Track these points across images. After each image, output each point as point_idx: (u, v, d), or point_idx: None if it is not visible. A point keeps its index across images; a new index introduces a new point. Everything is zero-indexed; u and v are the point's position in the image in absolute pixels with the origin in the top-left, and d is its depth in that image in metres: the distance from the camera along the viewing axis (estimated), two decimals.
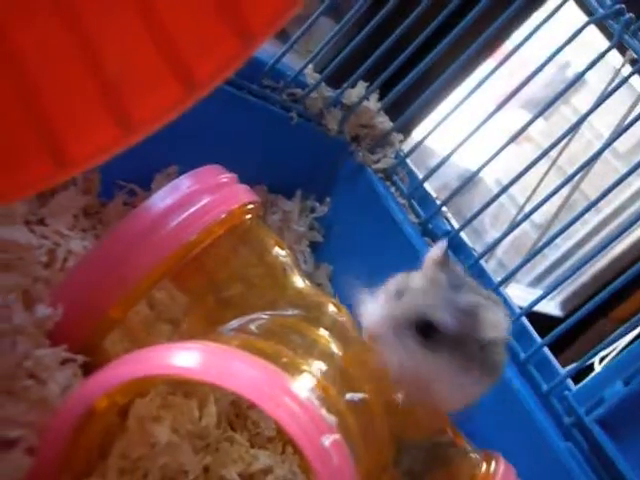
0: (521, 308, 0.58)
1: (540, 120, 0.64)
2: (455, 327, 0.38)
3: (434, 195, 0.65)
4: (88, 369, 0.37)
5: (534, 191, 0.98)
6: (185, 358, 0.29)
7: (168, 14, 0.27)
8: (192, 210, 0.38)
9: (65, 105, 0.27)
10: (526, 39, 0.60)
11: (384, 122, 0.67)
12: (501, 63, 0.61)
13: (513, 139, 0.59)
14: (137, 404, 0.36)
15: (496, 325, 0.39)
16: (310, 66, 0.62)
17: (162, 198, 0.39)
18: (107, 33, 0.26)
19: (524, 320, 0.57)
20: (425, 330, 0.38)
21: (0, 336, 0.34)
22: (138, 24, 0.26)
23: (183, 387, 0.40)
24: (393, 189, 0.65)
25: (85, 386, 0.31)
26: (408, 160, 0.67)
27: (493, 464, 0.38)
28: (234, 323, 0.39)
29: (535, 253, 0.61)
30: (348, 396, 0.35)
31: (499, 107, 0.61)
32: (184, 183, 0.40)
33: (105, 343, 0.39)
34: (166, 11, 0.27)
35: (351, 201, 0.66)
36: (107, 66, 0.25)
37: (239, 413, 0.45)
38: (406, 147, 0.69)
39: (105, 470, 0.35)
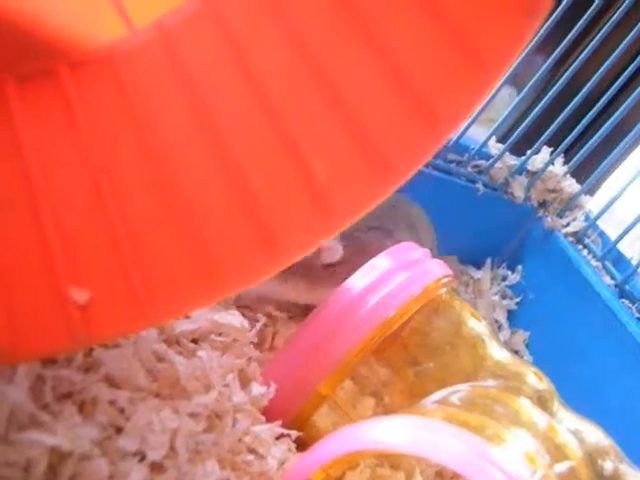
0: None
1: None
2: None
3: (628, 255, 0.64)
4: (300, 443, 0.39)
5: None
6: (395, 433, 0.31)
7: (364, 111, 0.29)
8: (390, 288, 0.40)
9: (277, 202, 0.29)
10: None
11: (571, 185, 0.67)
12: None
13: None
14: (348, 476, 0.38)
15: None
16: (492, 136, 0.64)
17: (361, 277, 0.41)
18: (313, 138, 0.29)
19: None
20: None
21: (223, 414, 0.37)
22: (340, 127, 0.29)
23: (390, 459, 0.41)
24: (585, 252, 0.64)
25: (303, 460, 0.33)
26: (598, 221, 0.66)
27: None
28: (436, 395, 0.40)
29: None
30: (557, 467, 0.35)
31: None
32: (380, 262, 0.42)
33: (314, 417, 0.41)
34: (361, 107, 0.29)
35: (543, 267, 0.66)
36: (316, 170, 0.28)
37: None
38: (593, 205, 0.68)
39: None
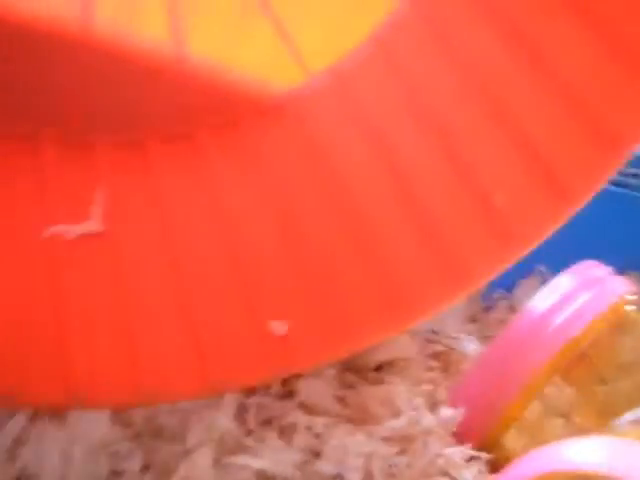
0: None
1: None
2: None
3: None
4: (490, 465, 0.40)
5: None
6: (591, 454, 0.31)
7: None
8: (574, 307, 0.40)
9: (458, 231, 0.30)
10: None
11: None
12: None
13: None
14: None
15: None
16: None
17: (544, 298, 0.41)
18: (491, 167, 0.30)
19: None
20: None
21: (414, 438, 0.38)
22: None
23: None
24: None
25: None
26: None
27: None
28: (629, 415, 0.39)
29: None
30: None
31: None
32: (563, 281, 0.42)
33: (503, 439, 0.41)
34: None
35: None
36: (495, 199, 0.29)
37: None
38: None
39: None
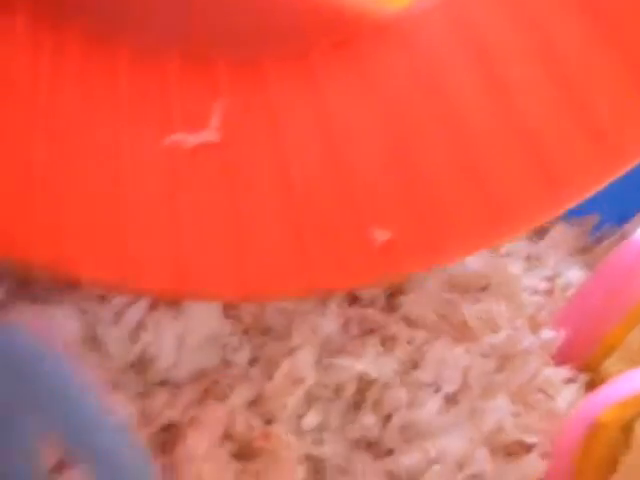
0: None
1: None
2: None
3: None
4: (589, 388, 0.40)
5: None
6: None
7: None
8: None
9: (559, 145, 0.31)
10: None
11: None
12: None
13: None
14: None
15: None
16: None
17: None
18: (594, 83, 0.30)
19: None
20: None
21: (512, 356, 0.39)
22: None
23: None
24: None
25: (589, 400, 0.34)
26: None
27: None
28: None
29: None
30: None
31: None
32: None
33: (604, 365, 0.41)
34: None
35: None
36: (598, 112, 0.29)
37: None
38: None
39: None
